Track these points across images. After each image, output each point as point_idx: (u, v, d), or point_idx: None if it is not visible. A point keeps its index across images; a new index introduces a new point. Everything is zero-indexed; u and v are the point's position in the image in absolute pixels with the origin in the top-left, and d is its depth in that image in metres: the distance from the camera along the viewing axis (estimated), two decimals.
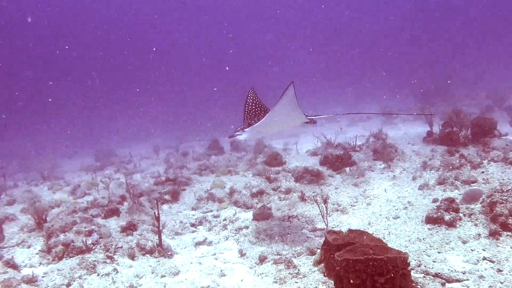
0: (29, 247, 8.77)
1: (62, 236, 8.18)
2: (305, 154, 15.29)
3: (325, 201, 8.49)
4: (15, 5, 67.61)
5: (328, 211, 8.63)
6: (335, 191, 10.39)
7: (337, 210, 9.04)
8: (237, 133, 7.35)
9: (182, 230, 9.33)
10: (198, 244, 8.52)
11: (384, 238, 7.01)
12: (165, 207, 11.05)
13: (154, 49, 76.33)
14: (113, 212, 10.31)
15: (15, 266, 7.52)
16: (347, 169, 11.77)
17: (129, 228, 8.91)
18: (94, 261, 7.26)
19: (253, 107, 8.35)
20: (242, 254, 7.66)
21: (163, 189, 12.01)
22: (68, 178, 17.14)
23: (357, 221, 8.31)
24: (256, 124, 7.04)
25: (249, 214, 9.60)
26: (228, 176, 13.21)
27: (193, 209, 10.71)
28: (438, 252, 6.42)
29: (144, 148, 24.70)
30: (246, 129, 7.25)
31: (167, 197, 11.46)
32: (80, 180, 15.52)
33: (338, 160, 12.00)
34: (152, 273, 6.95)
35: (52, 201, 11.96)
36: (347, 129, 21.17)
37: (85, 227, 8.46)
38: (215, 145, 19.04)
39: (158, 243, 7.90)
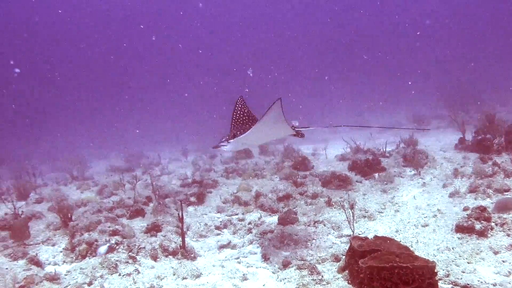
0: (53, 245, 8.80)
1: (86, 235, 8.18)
2: (334, 159, 15.10)
3: (352, 207, 8.32)
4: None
5: (355, 217, 8.45)
6: (363, 197, 10.18)
7: (364, 217, 8.83)
8: (222, 143, 7.23)
9: (207, 233, 9.25)
10: (222, 247, 8.43)
11: (411, 246, 6.80)
12: (190, 209, 11.00)
13: (180, 45, 77.04)
14: (138, 213, 10.32)
15: (39, 263, 7.54)
16: (376, 175, 11.54)
17: (153, 229, 8.87)
18: (117, 260, 7.21)
19: (241, 116, 8.20)
20: (265, 258, 7.53)
21: (189, 191, 11.98)
22: (97, 178, 17.26)
23: (384, 228, 8.10)
24: (241, 136, 6.93)
25: (275, 218, 9.47)
26: (255, 179, 13.11)
27: (218, 211, 10.64)
28: (468, 263, 6.18)
29: (173, 151, 24.78)
30: (230, 140, 7.14)
31: (192, 199, 11.41)
32: (108, 180, 15.60)
33: (367, 166, 11.78)
34: (174, 274, 6.87)
35: (79, 200, 12.04)
36: (377, 135, 20.88)
37: (109, 227, 8.44)
38: (243, 148, 18.91)
39: (181, 244, 7.83)
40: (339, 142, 17.83)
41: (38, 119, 50.97)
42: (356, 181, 11.28)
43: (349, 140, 15.65)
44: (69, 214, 9.72)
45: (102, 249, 7.49)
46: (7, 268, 7.30)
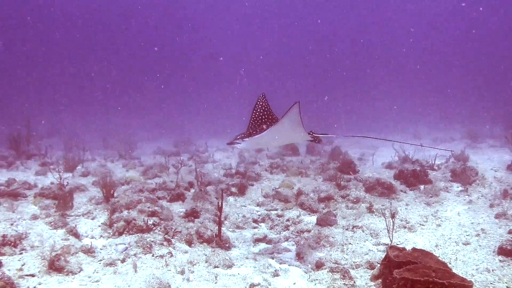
0: (93, 218, 8.96)
1: (125, 213, 8.30)
2: (381, 166, 14.85)
3: (393, 216, 8.10)
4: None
5: (395, 227, 8.25)
6: (405, 207, 9.93)
7: (405, 227, 8.60)
8: (237, 141, 7.12)
9: (244, 225, 9.23)
10: (257, 240, 8.38)
11: (450, 263, 6.58)
12: (230, 199, 11.01)
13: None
14: (179, 197, 10.39)
15: (77, 235, 7.70)
16: (422, 186, 11.24)
17: (191, 215, 8.92)
18: (152, 241, 7.27)
19: (261, 114, 8.01)
20: (299, 257, 7.44)
21: (232, 181, 12.00)
22: (144, 159, 17.56)
23: (423, 241, 7.86)
24: (256, 136, 6.82)
25: (313, 218, 9.36)
26: (299, 177, 13.01)
27: (258, 205, 10.60)
28: (507, 287, 5.95)
29: (222, 141, 24.91)
30: (245, 139, 7.02)
31: (234, 189, 11.42)
32: (153, 162, 15.83)
33: (413, 176, 11.49)
34: (206, 262, 6.87)
35: (123, 178, 12.25)
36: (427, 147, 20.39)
37: (148, 207, 8.53)
38: (290, 145, 18.88)
39: (217, 233, 7.83)
40: (389, 150, 17.53)
41: (96, 97, 52.42)
42: (401, 191, 11.02)
43: (398, 149, 15.39)
44: (111, 190, 9.89)
45: (120, 247, 7.54)
46: (47, 236, 7.51)
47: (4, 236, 6.95)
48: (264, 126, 7.35)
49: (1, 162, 14.83)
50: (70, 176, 13.09)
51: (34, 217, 8.61)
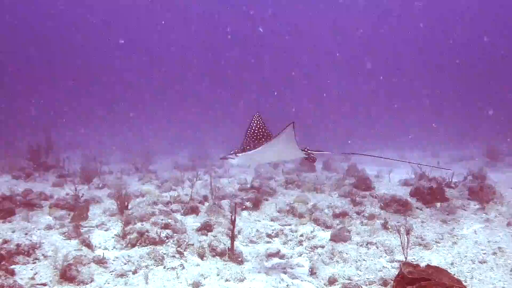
0: (107, 230, 9.00)
1: (138, 225, 8.30)
2: (397, 183, 14.72)
3: (407, 232, 8.02)
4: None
5: (410, 244, 8.14)
6: (421, 225, 9.79)
7: (420, 245, 8.47)
8: (230, 156, 7.09)
9: (257, 239, 9.17)
10: (270, 255, 8.30)
11: (465, 281, 6.45)
12: (244, 213, 10.97)
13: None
14: (193, 210, 10.41)
15: (89, 246, 7.73)
16: (438, 204, 11.09)
17: (204, 228, 8.90)
18: (164, 253, 7.28)
19: (255, 131, 8.00)
20: (312, 272, 7.36)
21: (246, 195, 11.97)
22: (160, 173, 17.61)
23: (439, 259, 7.73)
24: (250, 151, 6.80)
25: (327, 234, 9.27)
26: (313, 193, 12.95)
27: (272, 220, 10.54)
28: None
29: None
30: (239, 154, 7.00)
31: (248, 204, 11.38)
32: (169, 176, 15.89)
33: (429, 193, 11.35)
34: (217, 275, 6.83)
35: (138, 191, 12.30)
36: (446, 165, 20.17)
37: (162, 220, 8.54)
38: (306, 162, 18.77)
39: (230, 247, 7.80)
40: (406, 167, 17.36)
41: (116, 110, 52.89)
42: (416, 208, 10.89)
43: (415, 167, 15.24)
44: (126, 203, 9.93)
45: None
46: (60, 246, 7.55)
47: (18, 245, 7.01)
48: (258, 143, 7.37)
49: (19, 173, 14.99)
50: (86, 188, 13.18)
51: (49, 227, 8.68)
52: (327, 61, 78.78)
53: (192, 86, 74.39)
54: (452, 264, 7.44)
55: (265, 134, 8.06)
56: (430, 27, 71.98)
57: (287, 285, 6.63)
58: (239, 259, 7.71)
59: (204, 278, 6.68)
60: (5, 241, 7.12)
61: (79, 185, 12.19)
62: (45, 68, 71.80)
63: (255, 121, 8.11)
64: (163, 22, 74.53)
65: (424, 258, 7.83)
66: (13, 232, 8.27)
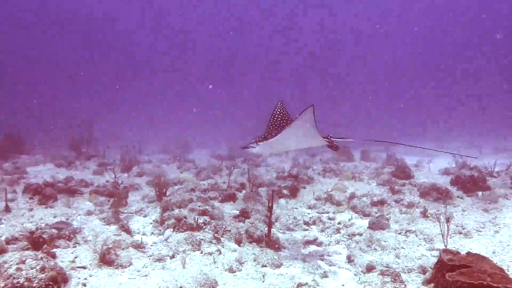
0: (145, 216, 9.13)
1: (176, 211, 8.38)
2: (437, 173, 14.45)
3: (448, 221, 7.84)
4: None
5: (450, 232, 7.97)
6: (462, 213, 9.57)
7: (460, 233, 8.27)
8: (251, 144, 6.94)
9: (295, 227, 9.12)
10: (307, 242, 8.26)
11: (507, 270, 6.29)
12: (282, 201, 10.93)
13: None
14: (230, 197, 10.43)
15: (128, 231, 7.84)
16: (479, 193, 10.81)
17: (241, 215, 8.92)
18: (201, 239, 7.31)
19: (278, 120, 7.80)
20: (350, 260, 7.27)
21: (283, 183, 11.94)
22: (198, 162, 17.76)
23: (480, 248, 7.53)
24: (270, 140, 6.64)
25: (365, 222, 9.15)
26: (352, 181, 12.82)
27: (309, 207, 10.48)
28: None
29: None
30: (260, 143, 6.84)
31: (285, 191, 11.35)
32: (207, 164, 16.00)
33: (471, 182, 11.07)
34: (254, 260, 6.83)
35: (177, 179, 12.41)
36: (487, 156, 19.71)
37: (199, 206, 8.59)
38: (345, 151, 18.68)
39: (266, 233, 7.79)
40: (446, 157, 17.05)
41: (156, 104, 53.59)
42: (457, 197, 10.65)
43: (457, 156, 14.95)
44: (164, 189, 10.04)
45: (168, 232, 7.64)
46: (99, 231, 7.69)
47: (59, 229, 7.16)
48: (279, 131, 7.22)
49: (61, 162, 15.33)
50: (126, 176, 13.38)
51: (89, 213, 8.86)
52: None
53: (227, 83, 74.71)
54: (494, 253, 7.23)
55: (288, 122, 7.87)
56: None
57: (324, 271, 6.57)
58: (276, 246, 7.68)
59: (241, 264, 6.68)
60: (48, 226, 7.31)
61: (119, 173, 12.38)
62: (88, 64, 73.20)
63: (278, 110, 7.99)
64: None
65: (464, 246, 7.64)
66: (55, 217, 8.47)
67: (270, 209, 7.71)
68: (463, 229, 8.43)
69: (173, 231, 7.84)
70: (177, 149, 21.24)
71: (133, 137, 26.55)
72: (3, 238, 6.72)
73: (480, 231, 8.41)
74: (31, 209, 9.17)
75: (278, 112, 7.85)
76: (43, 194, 9.75)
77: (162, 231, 8.02)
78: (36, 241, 6.63)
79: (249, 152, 7.03)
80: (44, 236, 6.75)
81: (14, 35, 69.62)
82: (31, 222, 8.22)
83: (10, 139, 18.15)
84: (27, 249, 6.33)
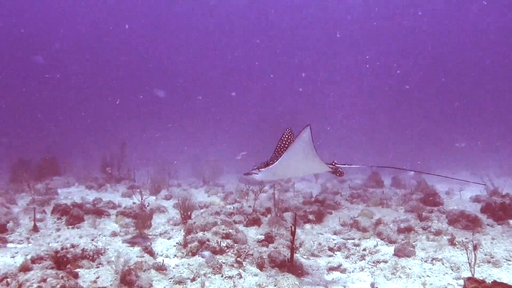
0: (169, 238, 9.18)
1: (200, 234, 8.39)
2: (468, 200, 14.17)
3: (475, 248, 7.67)
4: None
5: (478, 261, 7.78)
6: (491, 242, 9.32)
7: (489, 262, 8.05)
8: (254, 171, 6.85)
9: (319, 253, 9.03)
10: (331, 269, 8.16)
11: None
12: (307, 226, 10.85)
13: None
14: (255, 222, 10.41)
15: (151, 253, 7.89)
16: (511, 221, 10.59)
17: (266, 239, 8.88)
18: (223, 262, 7.30)
19: (284, 147, 7.69)
20: (373, 287, 7.19)
21: (309, 208, 11.88)
22: (227, 186, 17.84)
23: (509, 277, 7.29)
24: (271, 165, 6.53)
25: (391, 249, 8.99)
26: (379, 207, 12.67)
27: (334, 233, 10.38)
28: None
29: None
30: (262, 169, 6.75)
31: (311, 217, 11.27)
32: (235, 188, 16.05)
33: (502, 209, 10.81)
34: (275, 285, 6.75)
35: (203, 202, 12.48)
36: None
37: (223, 230, 8.59)
38: (374, 177, 18.52)
39: (289, 258, 7.74)
40: (479, 186, 16.76)
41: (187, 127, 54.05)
42: (487, 225, 10.39)
43: (488, 184, 14.68)
44: (189, 212, 10.10)
45: (207, 253, 7.64)
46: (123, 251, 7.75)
47: (83, 250, 7.27)
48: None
49: (92, 184, 15.62)
50: (154, 198, 13.53)
51: (114, 234, 8.96)
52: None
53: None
54: None
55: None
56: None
57: None
58: (299, 271, 7.62)
59: None
60: (72, 246, 7.43)
61: (148, 196, 12.51)
62: (120, 84, 74.65)
63: (286, 136, 7.94)
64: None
65: (492, 276, 7.43)
66: (81, 237, 8.60)
67: (293, 233, 7.66)
68: (492, 258, 8.20)
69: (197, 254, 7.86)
70: (208, 172, 21.39)
71: (167, 156, 26.89)
72: (28, 257, 6.84)
73: (510, 260, 8.17)
74: (58, 229, 9.35)
75: (285, 138, 7.79)
76: (71, 214, 9.92)
77: (185, 254, 8.05)
78: (60, 261, 6.73)
79: (252, 179, 6.99)
80: (68, 255, 6.85)
81: (52, 60, 71.54)
82: (58, 242, 8.36)
83: (46, 161, 18.64)
84: (51, 268, 6.42)
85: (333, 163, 6.87)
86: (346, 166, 7.10)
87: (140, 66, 78.00)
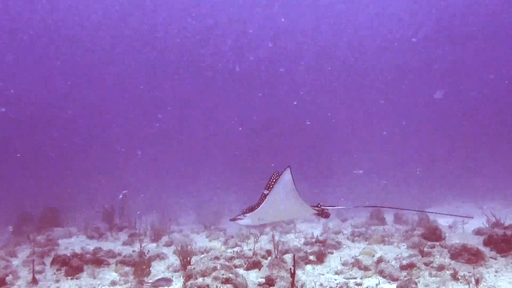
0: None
1: (200, 280, 8.33)
2: (471, 233, 14.08)
3: (477, 282, 7.61)
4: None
5: None
6: (494, 274, 9.23)
7: None
8: (239, 216, 6.87)
9: None
10: None
11: None
12: (308, 267, 10.76)
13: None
14: (255, 265, 10.35)
15: None
16: None
17: (266, 283, 8.82)
18: None
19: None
20: None
21: (310, 249, 11.81)
22: (229, 230, 17.76)
23: None
24: (256, 210, 6.52)
25: (393, 286, 8.90)
26: (381, 245, 12.58)
27: (336, 273, 10.27)
28: None
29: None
30: (247, 214, 6.75)
31: (312, 257, 11.19)
32: (236, 232, 16.00)
33: (504, 241, 10.74)
34: None
35: (203, 247, 12.43)
36: None
37: (223, 274, 8.53)
38: (377, 214, 18.43)
39: None
40: (482, 217, 16.67)
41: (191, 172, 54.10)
42: (490, 257, 10.31)
43: (489, 216, 14.63)
44: (188, 258, 10.04)
45: None
46: None
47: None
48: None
49: (93, 233, 15.61)
50: (155, 246, 13.48)
51: (113, 283, 8.91)
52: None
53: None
54: None
55: None
56: None
57: None
58: None
59: None
60: None
61: (149, 243, 12.45)
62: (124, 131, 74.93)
63: (273, 179, 7.89)
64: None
65: None
66: None
67: (292, 275, 7.63)
68: None
69: None
70: (209, 217, 21.30)
71: (170, 202, 26.84)
72: None
73: None
74: (57, 281, 9.31)
75: (272, 182, 7.76)
76: (70, 265, 9.88)
77: None
78: None
79: (239, 224, 6.95)
80: None
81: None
82: None
83: (47, 211, 18.67)
84: None
85: (319, 205, 6.85)
86: (332, 207, 7.08)
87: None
